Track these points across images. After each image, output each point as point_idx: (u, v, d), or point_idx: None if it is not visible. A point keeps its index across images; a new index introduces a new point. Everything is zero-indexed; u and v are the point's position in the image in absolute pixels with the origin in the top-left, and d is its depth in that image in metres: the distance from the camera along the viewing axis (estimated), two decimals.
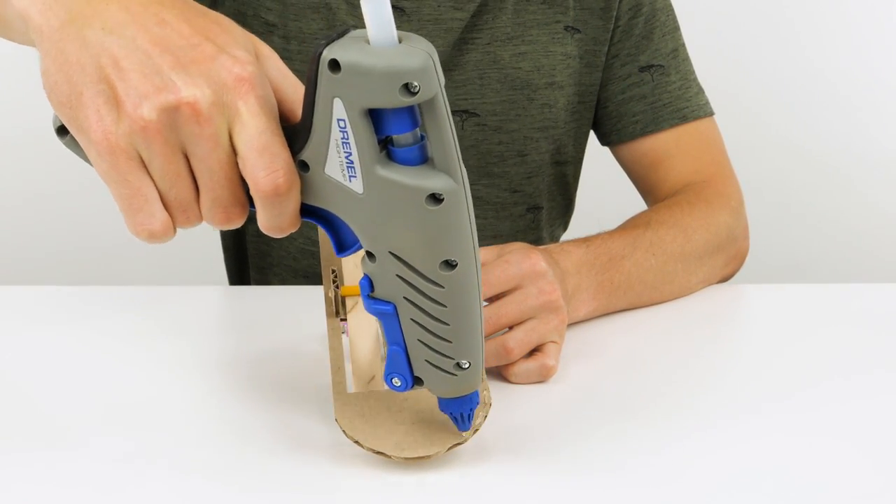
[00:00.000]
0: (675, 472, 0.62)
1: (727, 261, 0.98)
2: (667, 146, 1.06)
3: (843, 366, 0.79)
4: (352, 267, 0.68)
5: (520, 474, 0.61)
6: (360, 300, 0.67)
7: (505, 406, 0.70)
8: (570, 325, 0.83)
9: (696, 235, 0.93)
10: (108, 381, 0.74)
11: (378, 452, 0.60)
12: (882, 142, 1.91)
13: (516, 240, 1.08)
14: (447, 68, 1.01)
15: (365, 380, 0.65)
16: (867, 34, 1.87)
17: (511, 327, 0.73)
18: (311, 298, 0.90)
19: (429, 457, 0.61)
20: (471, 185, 1.02)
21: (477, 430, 0.62)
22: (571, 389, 0.73)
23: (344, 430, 0.61)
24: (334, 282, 0.66)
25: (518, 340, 0.72)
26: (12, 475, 0.61)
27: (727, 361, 0.80)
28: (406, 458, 0.60)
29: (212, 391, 0.73)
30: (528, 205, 1.08)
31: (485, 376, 0.65)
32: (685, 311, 0.91)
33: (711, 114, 1.08)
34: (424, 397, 0.64)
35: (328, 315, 0.67)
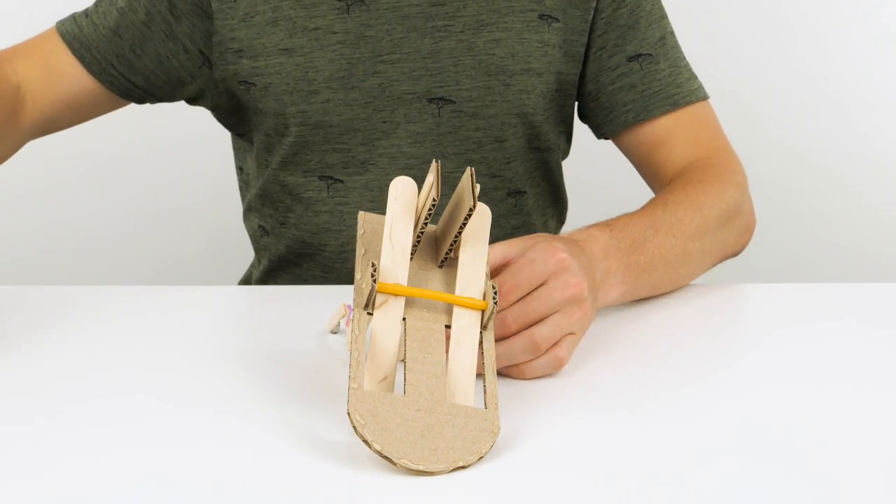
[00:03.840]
0: (676, 472, 0.62)
1: (738, 235, 0.99)
2: (662, 131, 1.06)
3: (843, 365, 0.79)
4: (389, 264, 0.66)
5: (523, 476, 0.61)
6: (392, 298, 0.66)
7: (513, 408, 0.69)
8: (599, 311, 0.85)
9: (710, 213, 0.94)
10: (111, 381, 0.74)
11: (384, 457, 0.60)
12: (879, 142, 1.92)
13: (499, 224, 1.09)
14: (412, 56, 1.02)
15: (378, 378, 0.64)
16: (863, 35, 1.88)
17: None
18: (313, 298, 0.89)
19: (432, 473, 0.60)
20: (450, 171, 1.04)
21: (482, 456, 0.62)
22: (571, 391, 0.73)
23: (355, 426, 0.60)
24: (373, 276, 0.64)
25: (545, 336, 0.73)
26: (15, 476, 0.60)
27: (727, 361, 0.80)
28: (409, 469, 0.60)
29: (216, 390, 0.72)
30: (509, 189, 1.08)
31: (496, 404, 0.65)
32: (685, 311, 0.90)
33: (705, 97, 1.09)
34: (438, 411, 0.63)
35: (356, 305, 0.65)
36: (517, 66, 1.03)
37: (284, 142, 1.04)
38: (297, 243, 1.08)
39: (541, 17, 1.03)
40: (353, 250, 1.04)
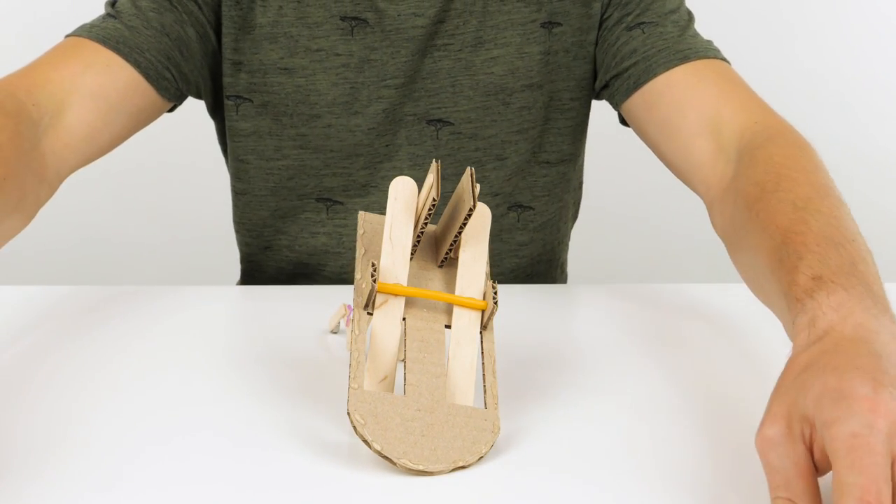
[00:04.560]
0: (677, 472, 0.61)
1: None
2: (682, 87, 0.92)
3: None
4: (389, 265, 0.66)
5: (523, 476, 0.60)
6: (392, 298, 0.66)
7: (513, 408, 0.68)
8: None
9: (835, 189, 0.78)
10: (110, 381, 0.73)
11: (384, 457, 0.60)
12: (880, 141, 1.91)
13: (502, 240, 1.04)
14: (413, 77, 0.98)
15: (377, 378, 0.64)
16: (863, 34, 1.87)
17: None
18: (313, 298, 0.89)
19: (432, 473, 0.60)
20: (450, 192, 0.97)
21: (482, 456, 0.62)
22: (571, 391, 0.73)
23: (355, 426, 0.60)
24: (373, 275, 0.64)
25: None
26: (17, 478, 0.60)
27: (729, 361, 0.80)
28: (409, 469, 0.60)
29: (216, 390, 0.72)
30: (509, 204, 1.03)
31: (497, 404, 0.64)
32: (687, 311, 0.90)
33: (728, 61, 0.95)
34: (438, 411, 0.63)
35: (356, 305, 0.65)
36: (518, 83, 0.98)
37: (276, 165, 1.00)
38: (291, 265, 1.05)
39: (542, 25, 0.98)
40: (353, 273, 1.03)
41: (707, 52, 0.94)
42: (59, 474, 0.60)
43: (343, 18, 0.96)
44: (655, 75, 0.93)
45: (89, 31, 0.91)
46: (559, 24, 0.98)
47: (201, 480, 0.60)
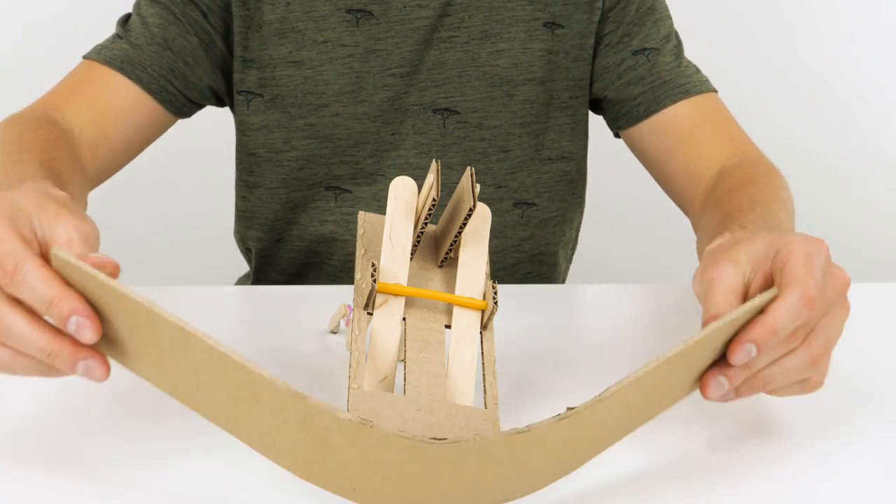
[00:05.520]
0: (678, 472, 0.62)
1: None
2: (684, 122, 1.03)
3: (843, 364, 0.77)
4: (389, 265, 0.66)
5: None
6: (392, 298, 0.66)
7: (513, 408, 0.67)
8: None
9: (788, 202, 0.89)
10: (109, 381, 0.71)
11: None
12: (879, 142, 1.92)
13: (506, 236, 1.06)
14: (418, 67, 1.01)
15: (377, 378, 0.64)
16: (863, 35, 1.88)
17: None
18: (313, 298, 0.89)
19: None
20: (455, 182, 1.01)
21: None
22: (571, 391, 0.70)
23: None
24: (373, 275, 0.64)
25: (822, 347, 0.63)
26: (17, 477, 0.60)
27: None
28: None
29: None
30: (515, 200, 1.06)
31: (497, 404, 0.64)
32: (689, 311, 0.89)
33: (715, 91, 1.06)
34: (438, 411, 0.62)
35: (356, 305, 0.65)
36: (521, 77, 1.02)
37: (286, 157, 1.03)
38: (302, 254, 1.07)
39: (545, 24, 1.02)
40: None
41: (702, 85, 1.05)
42: (58, 473, 0.60)
43: (349, 11, 0.99)
44: (664, 107, 1.03)
45: (99, 54, 0.99)
46: (561, 27, 1.03)
47: (201, 480, 0.60)
